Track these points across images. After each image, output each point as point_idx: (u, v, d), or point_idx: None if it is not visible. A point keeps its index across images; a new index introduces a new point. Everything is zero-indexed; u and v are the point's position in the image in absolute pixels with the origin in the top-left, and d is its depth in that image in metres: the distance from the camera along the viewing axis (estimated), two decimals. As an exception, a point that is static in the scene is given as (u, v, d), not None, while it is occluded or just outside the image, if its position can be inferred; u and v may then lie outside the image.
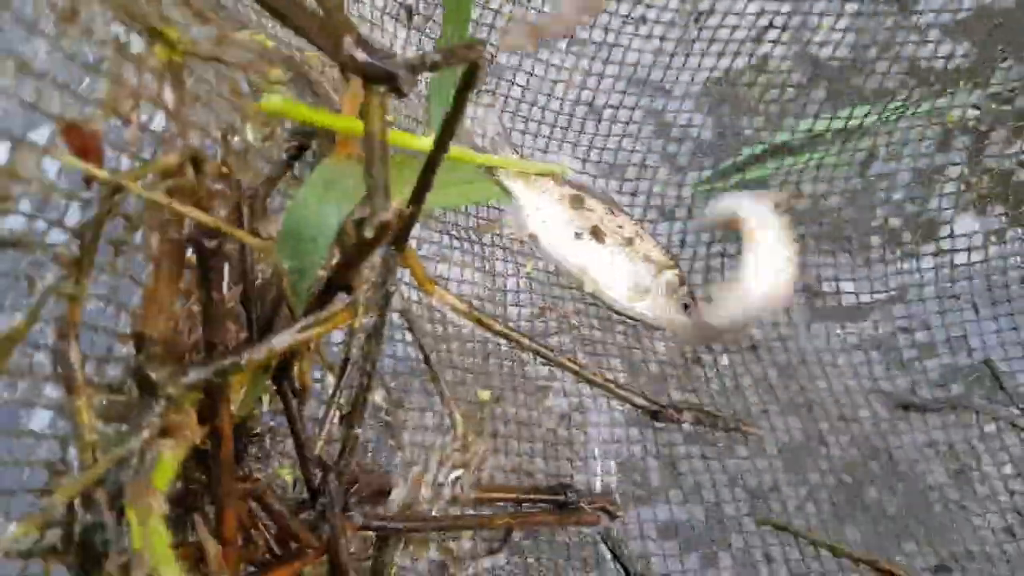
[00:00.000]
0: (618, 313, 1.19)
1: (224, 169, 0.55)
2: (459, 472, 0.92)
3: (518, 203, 1.15)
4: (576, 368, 1.05)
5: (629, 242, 1.19)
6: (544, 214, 1.16)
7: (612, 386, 1.08)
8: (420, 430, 0.92)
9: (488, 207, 1.17)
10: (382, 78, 0.58)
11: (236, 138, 0.58)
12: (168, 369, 0.54)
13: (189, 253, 0.55)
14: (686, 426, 1.11)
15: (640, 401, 1.09)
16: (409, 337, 1.02)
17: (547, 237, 1.16)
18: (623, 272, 1.18)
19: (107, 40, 0.47)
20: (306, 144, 0.70)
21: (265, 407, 0.70)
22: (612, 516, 1.05)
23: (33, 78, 0.44)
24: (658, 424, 1.10)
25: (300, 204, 0.62)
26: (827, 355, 1.20)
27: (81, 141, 0.48)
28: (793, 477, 1.09)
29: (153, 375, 0.53)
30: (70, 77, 0.47)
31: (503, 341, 1.07)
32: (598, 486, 1.07)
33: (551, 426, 1.08)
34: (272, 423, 0.72)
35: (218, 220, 0.56)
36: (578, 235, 1.17)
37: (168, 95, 0.50)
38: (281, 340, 0.58)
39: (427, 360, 0.94)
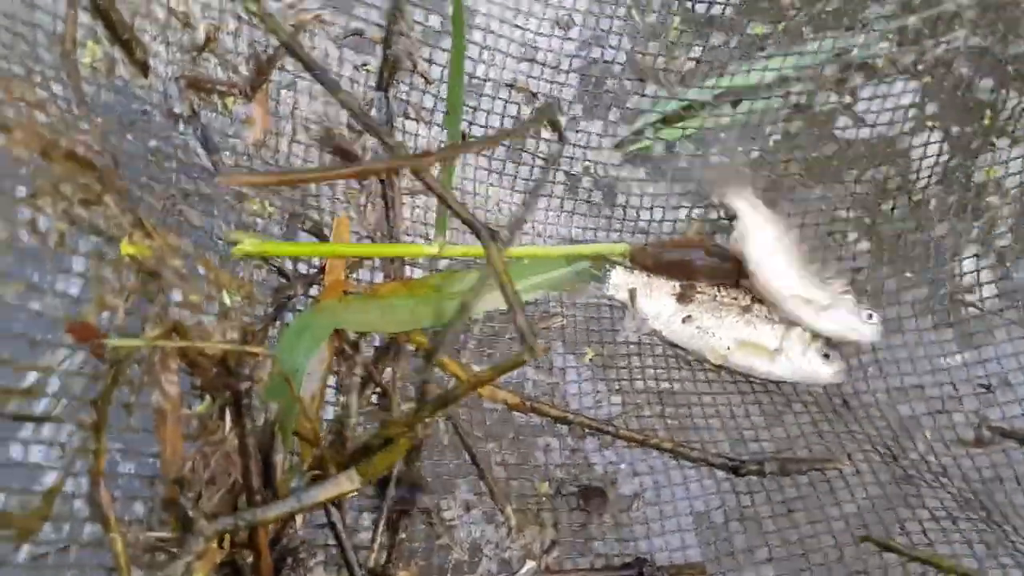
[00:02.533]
0: (756, 380, 1.24)
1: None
2: (530, 566, 0.99)
3: (633, 308, 1.25)
4: (640, 438, 1.10)
5: (747, 309, 1.24)
6: (660, 310, 1.25)
7: (684, 449, 1.11)
8: (467, 525, 0.99)
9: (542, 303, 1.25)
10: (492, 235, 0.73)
11: (215, 304, 0.70)
12: (204, 514, 0.67)
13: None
14: (771, 479, 1.11)
15: (718, 460, 1.11)
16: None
17: (667, 329, 1.25)
18: (747, 339, 1.23)
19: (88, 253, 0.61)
20: (287, 298, 0.82)
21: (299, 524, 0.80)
22: (696, 585, 1.06)
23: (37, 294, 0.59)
24: (738, 479, 1.11)
25: (279, 351, 0.74)
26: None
27: (83, 333, 0.62)
28: (884, 515, 1.06)
29: (193, 516, 0.66)
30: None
31: (564, 430, 1.14)
32: (680, 559, 1.09)
33: (622, 507, 1.11)
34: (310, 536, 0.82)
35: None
36: (688, 318, 1.23)
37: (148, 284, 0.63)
38: (283, 507, 0.69)
39: (474, 459, 1.02)
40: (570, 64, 1.34)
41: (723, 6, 1.30)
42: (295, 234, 1.00)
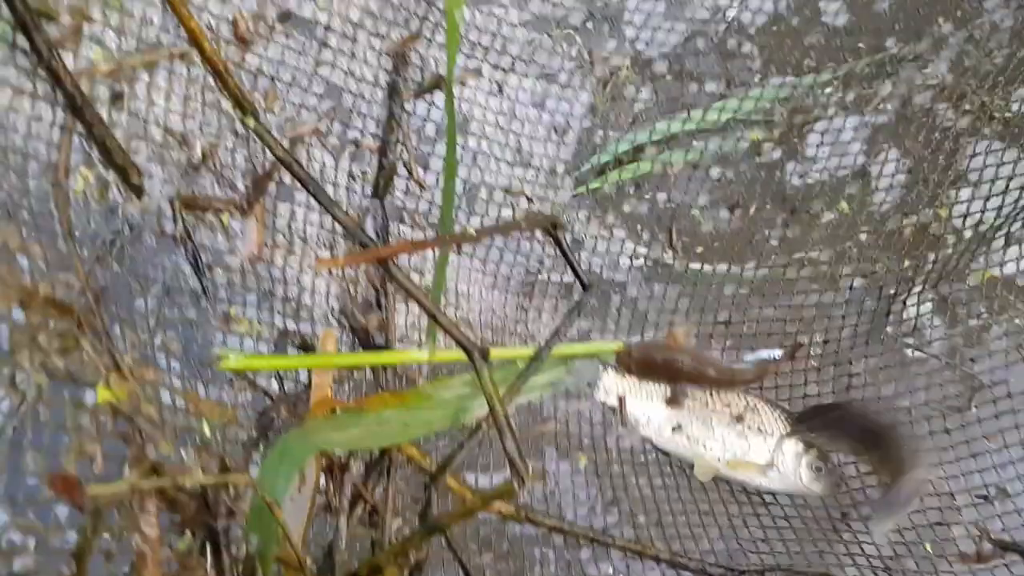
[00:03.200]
0: (752, 491, 1.21)
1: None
2: None
3: (623, 414, 1.24)
4: (637, 548, 1.09)
5: (739, 419, 1.22)
6: (650, 416, 1.23)
7: (682, 560, 1.09)
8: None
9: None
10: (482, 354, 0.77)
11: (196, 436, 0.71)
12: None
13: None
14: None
15: (717, 571, 1.09)
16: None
17: (657, 436, 1.23)
18: (738, 450, 1.21)
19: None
20: (270, 420, 0.82)
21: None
22: None
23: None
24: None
25: (260, 479, 0.73)
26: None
27: (64, 485, 0.62)
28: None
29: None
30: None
31: (559, 541, 1.12)
32: None
33: (621, 621, 1.09)
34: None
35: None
36: (678, 427, 1.22)
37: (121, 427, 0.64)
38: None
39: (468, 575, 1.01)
40: (565, 168, 1.36)
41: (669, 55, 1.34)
42: (285, 353, 1.01)
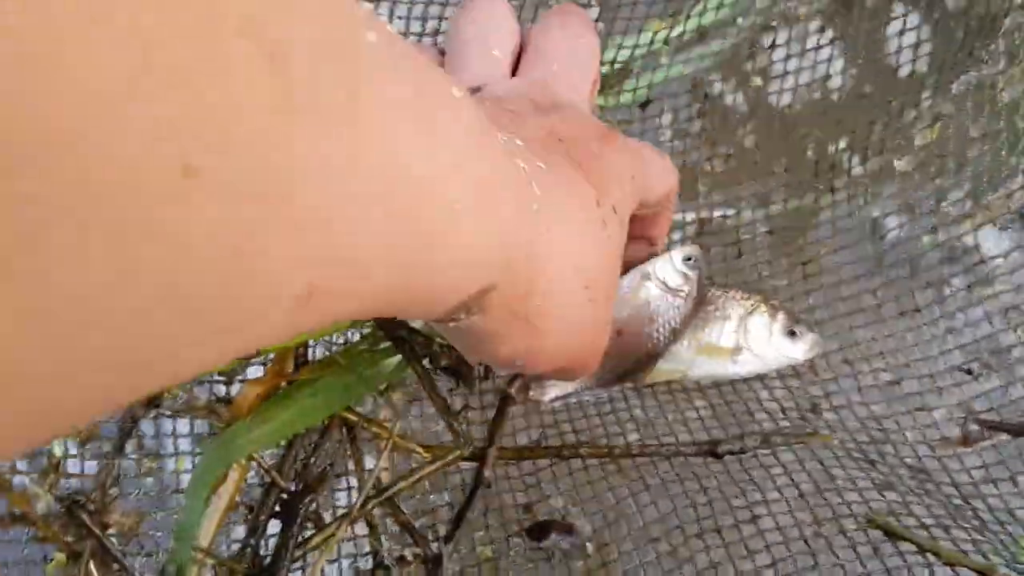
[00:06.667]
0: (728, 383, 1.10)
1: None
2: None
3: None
4: (605, 451, 1.02)
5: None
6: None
7: (653, 447, 1.04)
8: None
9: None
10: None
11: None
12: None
13: None
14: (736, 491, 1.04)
15: (692, 449, 1.02)
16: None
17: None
18: (702, 344, 1.10)
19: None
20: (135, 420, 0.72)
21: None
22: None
23: None
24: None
25: (186, 504, 0.63)
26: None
27: None
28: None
29: None
30: None
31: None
32: None
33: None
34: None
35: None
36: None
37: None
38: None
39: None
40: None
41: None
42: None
